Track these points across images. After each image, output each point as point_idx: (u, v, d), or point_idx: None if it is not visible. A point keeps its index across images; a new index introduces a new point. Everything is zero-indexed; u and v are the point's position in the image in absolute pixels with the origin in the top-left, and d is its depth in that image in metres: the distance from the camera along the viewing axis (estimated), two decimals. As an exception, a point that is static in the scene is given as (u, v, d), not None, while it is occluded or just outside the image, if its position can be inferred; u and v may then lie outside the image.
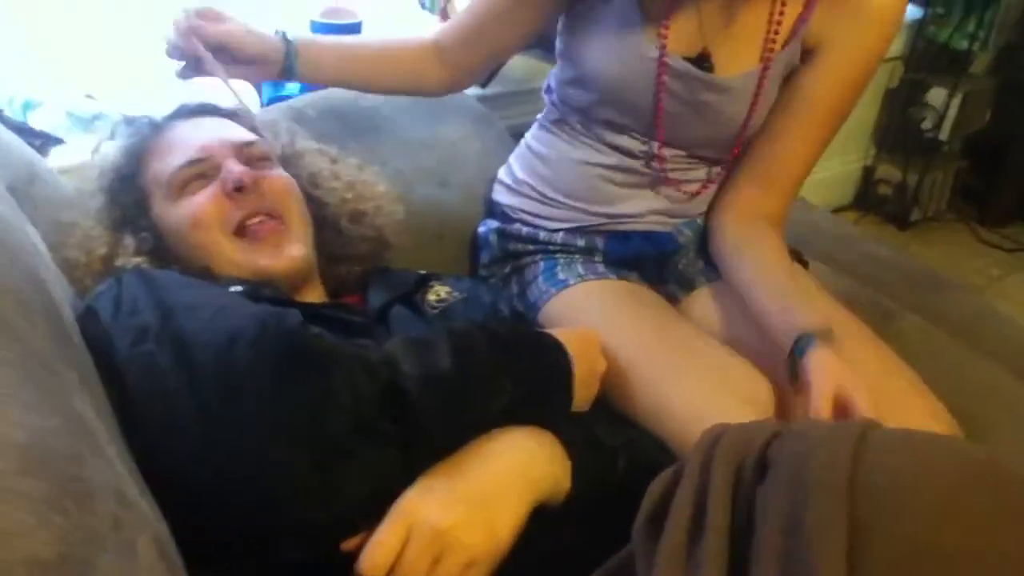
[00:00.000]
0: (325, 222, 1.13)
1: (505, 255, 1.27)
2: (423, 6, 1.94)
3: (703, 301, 1.22)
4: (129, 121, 1.14)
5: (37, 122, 1.43)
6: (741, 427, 0.74)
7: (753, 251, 1.13)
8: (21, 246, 0.76)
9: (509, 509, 0.78)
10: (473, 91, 1.76)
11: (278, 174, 1.08)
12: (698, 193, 1.20)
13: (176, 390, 0.74)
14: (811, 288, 1.15)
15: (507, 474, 0.80)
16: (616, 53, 1.11)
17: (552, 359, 0.92)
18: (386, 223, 1.19)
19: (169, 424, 0.75)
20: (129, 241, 1.03)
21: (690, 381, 1.03)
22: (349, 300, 1.10)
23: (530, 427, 0.85)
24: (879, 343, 1.11)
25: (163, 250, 1.03)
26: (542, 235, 1.24)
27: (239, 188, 1.01)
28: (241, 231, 1.02)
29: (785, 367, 0.99)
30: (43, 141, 1.39)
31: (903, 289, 1.39)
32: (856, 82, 1.12)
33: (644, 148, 1.16)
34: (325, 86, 1.39)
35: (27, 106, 1.45)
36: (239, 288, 0.93)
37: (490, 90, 1.83)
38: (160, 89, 1.54)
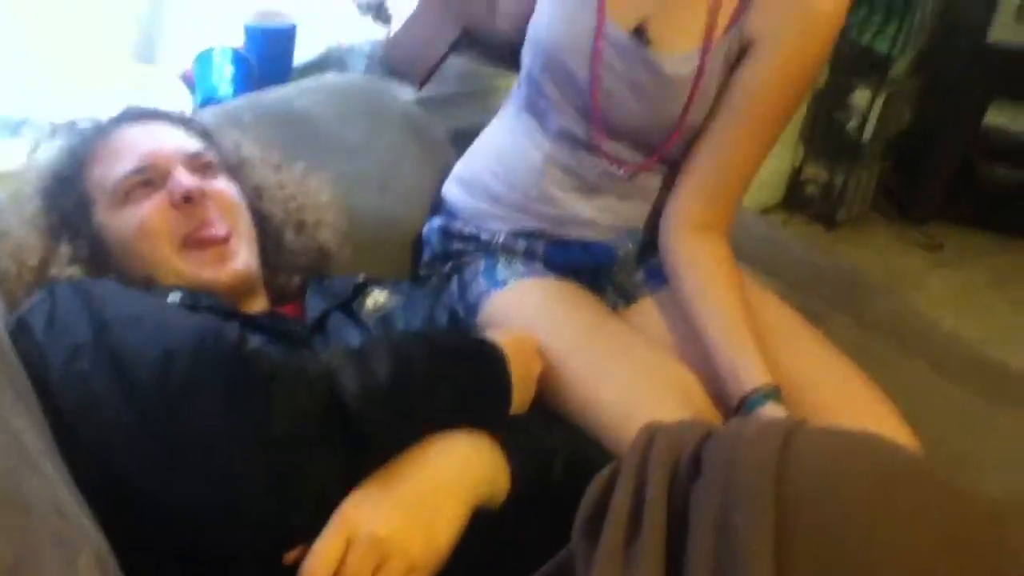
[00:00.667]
0: (268, 233, 1.13)
1: (446, 254, 1.28)
2: (360, 9, 1.94)
3: (644, 313, 1.24)
4: (71, 123, 1.12)
5: (-40, 126, 1.40)
6: (675, 426, 0.76)
7: (702, 273, 1.14)
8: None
9: (448, 513, 0.79)
10: (410, 93, 1.77)
11: (224, 185, 1.07)
12: (635, 173, 1.20)
13: (114, 409, 0.73)
14: (764, 309, 1.16)
15: (445, 478, 0.81)
16: (560, 15, 1.14)
17: (489, 364, 0.93)
18: (329, 234, 1.19)
19: (108, 441, 0.74)
20: (65, 249, 1.01)
21: (623, 377, 1.06)
22: (287, 310, 1.10)
23: (467, 430, 0.86)
24: (825, 342, 1.16)
25: (101, 257, 1.02)
26: (484, 235, 1.25)
27: (187, 199, 1.00)
28: (187, 243, 1.01)
29: (733, 409, 1.04)
30: (-33, 146, 1.36)
31: (830, 291, 1.43)
32: (796, 80, 1.11)
33: (584, 133, 1.17)
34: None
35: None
36: (177, 297, 0.93)
37: (427, 92, 1.84)
38: (93, 97, 1.51)
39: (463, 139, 1.40)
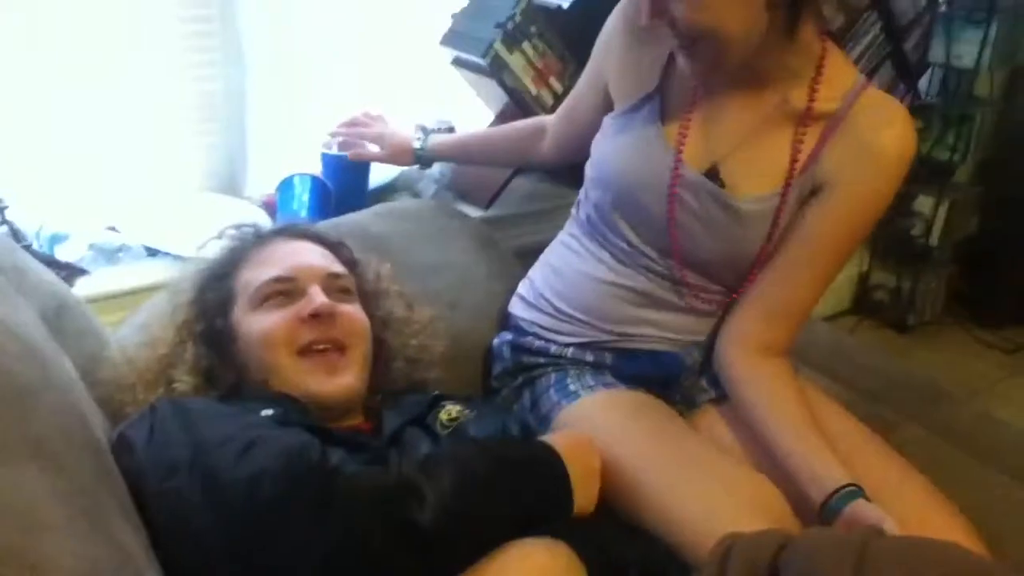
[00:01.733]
0: (382, 360, 1.19)
1: (517, 367, 1.31)
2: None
3: (708, 419, 1.25)
4: (237, 226, 1.22)
5: (63, 254, 1.50)
6: (751, 537, 0.76)
7: (763, 391, 1.15)
8: (65, 381, 0.81)
9: None
10: (477, 213, 1.84)
11: (354, 310, 1.14)
12: (712, 314, 1.24)
13: (204, 527, 0.78)
14: (830, 421, 1.16)
15: None
16: (634, 155, 1.19)
17: (546, 467, 0.95)
18: (436, 374, 1.25)
19: (198, 554, 0.78)
20: (190, 353, 1.08)
21: (699, 489, 1.05)
22: (362, 425, 1.13)
23: (544, 539, 0.87)
24: (893, 453, 1.15)
25: (219, 365, 1.08)
26: (553, 348, 1.28)
27: (315, 316, 1.07)
28: (304, 351, 1.07)
29: (815, 513, 1.03)
30: (68, 272, 1.45)
31: (902, 400, 1.41)
32: (864, 219, 1.15)
33: (662, 265, 1.21)
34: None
35: (54, 239, 1.52)
36: (270, 412, 0.97)
37: (493, 212, 1.91)
38: (180, 221, 1.61)
39: (529, 255, 1.45)
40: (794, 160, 1.13)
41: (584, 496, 0.97)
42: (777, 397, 1.14)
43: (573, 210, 1.36)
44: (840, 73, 1.13)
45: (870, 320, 3.00)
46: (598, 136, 1.27)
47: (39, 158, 1.56)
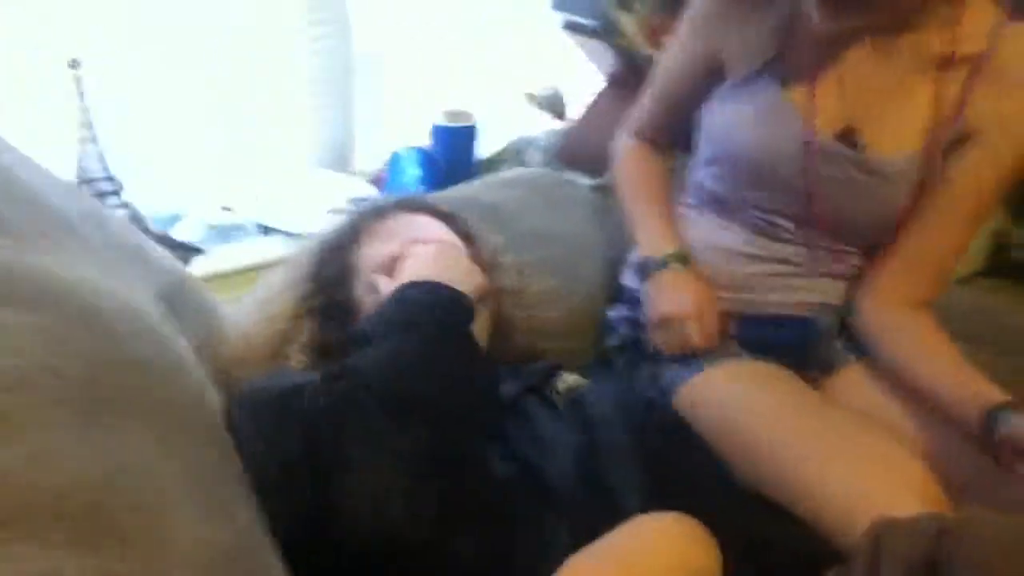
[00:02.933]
0: (498, 331, 1.17)
1: (636, 341, 1.26)
2: (538, 106, 2.00)
3: (846, 384, 1.18)
4: (355, 200, 1.20)
5: (179, 234, 1.53)
6: (906, 523, 0.71)
7: (910, 333, 1.11)
8: (182, 361, 0.80)
9: None
10: (589, 181, 1.80)
11: None
12: (845, 276, 1.18)
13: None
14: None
15: (666, 563, 0.78)
16: (761, 128, 1.12)
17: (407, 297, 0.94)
18: (549, 344, 1.22)
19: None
20: (308, 329, 1.07)
21: (843, 464, 0.99)
22: None
23: (682, 516, 0.82)
24: None
25: (332, 344, 1.06)
26: None
27: None
28: None
29: (976, 439, 0.98)
30: (184, 251, 1.47)
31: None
32: (1012, 172, 1.07)
33: (796, 232, 1.16)
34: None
35: (169, 219, 1.56)
36: None
37: (606, 179, 1.86)
38: (292, 199, 1.62)
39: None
40: (939, 111, 1.05)
41: (450, 278, 0.96)
42: (927, 340, 1.09)
43: (689, 177, 1.29)
44: (980, 10, 1.04)
45: (1008, 281, 2.81)
46: (713, 109, 1.19)
47: (154, 140, 1.59)
